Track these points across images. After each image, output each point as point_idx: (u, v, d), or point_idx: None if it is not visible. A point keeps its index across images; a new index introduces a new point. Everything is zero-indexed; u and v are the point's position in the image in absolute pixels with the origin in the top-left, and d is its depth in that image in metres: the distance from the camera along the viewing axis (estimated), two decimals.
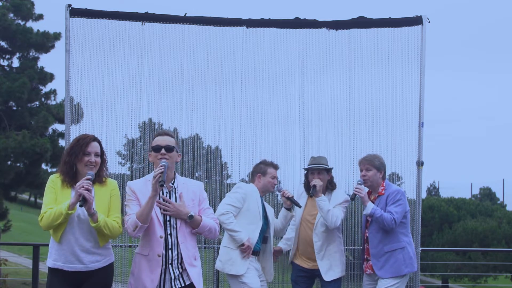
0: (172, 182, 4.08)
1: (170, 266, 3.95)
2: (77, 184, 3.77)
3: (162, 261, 3.93)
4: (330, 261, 5.19)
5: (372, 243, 5.13)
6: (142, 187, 4.01)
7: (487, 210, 22.47)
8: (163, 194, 4.03)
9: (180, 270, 3.96)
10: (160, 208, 3.97)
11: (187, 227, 4.01)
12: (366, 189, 5.22)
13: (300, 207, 5.21)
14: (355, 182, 5.25)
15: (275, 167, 5.31)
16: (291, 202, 5.17)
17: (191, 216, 3.97)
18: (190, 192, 4.09)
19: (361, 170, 5.22)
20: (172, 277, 3.94)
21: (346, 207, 5.33)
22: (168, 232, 3.97)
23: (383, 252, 5.06)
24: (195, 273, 3.99)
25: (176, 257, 3.96)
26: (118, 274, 5.71)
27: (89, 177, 3.80)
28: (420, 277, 5.82)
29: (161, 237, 3.93)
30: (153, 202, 3.85)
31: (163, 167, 3.83)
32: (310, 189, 5.25)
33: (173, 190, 4.07)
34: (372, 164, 5.16)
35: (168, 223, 3.98)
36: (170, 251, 3.95)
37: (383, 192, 5.15)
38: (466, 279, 19.17)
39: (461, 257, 18.30)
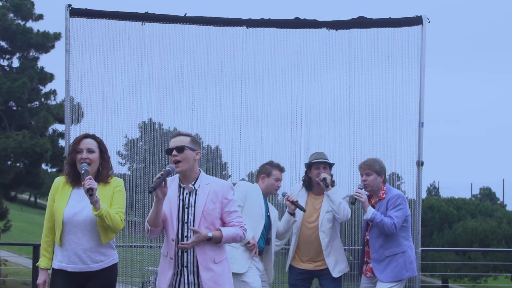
0: (193, 183, 3.91)
1: (185, 269, 3.86)
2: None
3: (177, 263, 3.86)
4: (336, 256, 5.18)
5: (373, 247, 5.10)
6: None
7: (487, 210, 22.42)
8: (183, 196, 3.89)
9: (196, 274, 3.86)
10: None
11: (205, 229, 3.85)
12: (366, 193, 5.20)
13: (305, 211, 5.13)
14: (355, 183, 5.24)
15: (281, 169, 5.24)
16: (296, 207, 5.13)
17: (210, 238, 3.82)
18: (211, 192, 3.88)
19: (362, 175, 5.18)
20: (186, 281, 3.86)
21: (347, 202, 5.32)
22: (185, 234, 3.86)
23: (384, 256, 5.03)
24: (208, 277, 3.83)
25: (191, 260, 3.86)
26: (119, 274, 5.69)
27: (83, 172, 3.80)
28: (420, 277, 5.82)
29: (172, 240, 3.86)
30: (158, 206, 3.77)
31: (164, 172, 3.75)
32: (310, 186, 5.24)
33: (194, 191, 3.90)
34: (372, 169, 5.12)
35: (186, 224, 3.85)
36: (185, 254, 3.85)
37: (383, 196, 5.11)
38: (466, 279, 19.16)
39: (461, 257, 18.26)
